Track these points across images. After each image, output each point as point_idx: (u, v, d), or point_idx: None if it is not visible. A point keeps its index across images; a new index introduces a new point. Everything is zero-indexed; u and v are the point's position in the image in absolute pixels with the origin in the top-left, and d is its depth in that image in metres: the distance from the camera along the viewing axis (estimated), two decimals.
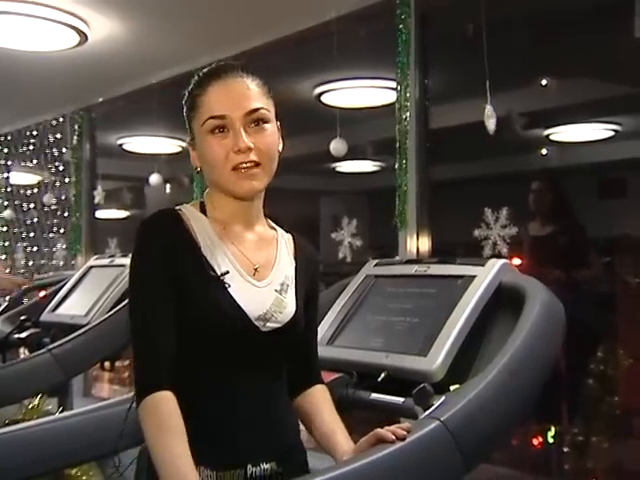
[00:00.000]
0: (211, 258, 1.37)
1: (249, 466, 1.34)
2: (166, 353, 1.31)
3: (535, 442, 3.40)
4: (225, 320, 1.33)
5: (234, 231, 1.42)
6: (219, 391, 1.35)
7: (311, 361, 1.56)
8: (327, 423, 1.45)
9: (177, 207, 1.42)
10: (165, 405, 1.27)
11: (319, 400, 1.51)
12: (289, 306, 1.42)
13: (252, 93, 1.38)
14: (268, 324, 1.38)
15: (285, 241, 1.51)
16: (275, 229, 1.52)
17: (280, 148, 1.44)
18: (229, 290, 1.35)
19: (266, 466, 1.36)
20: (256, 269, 1.41)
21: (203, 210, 1.43)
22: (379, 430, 1.30)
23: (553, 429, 3.37)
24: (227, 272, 1.36)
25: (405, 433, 1.28)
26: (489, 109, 2.88)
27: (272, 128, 1.41)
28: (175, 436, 1.24)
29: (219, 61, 1.46)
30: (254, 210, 1.45)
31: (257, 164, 1.36)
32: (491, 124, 2.88)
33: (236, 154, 1.35)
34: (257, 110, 1.37)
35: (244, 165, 1.35)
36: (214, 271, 1.35)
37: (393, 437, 1.28)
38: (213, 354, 1.35)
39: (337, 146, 3.58)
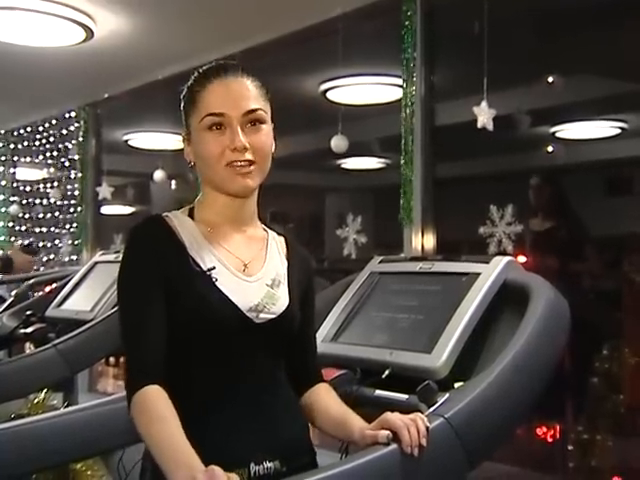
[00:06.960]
0: (197, 257, 1.38)
1: (252, 465, 1.33)
2: (154, 353, 1.31)
3: (539, 440, 3.39)
4: (215, 313, 1.34)
5: (222, 231, 1.43)
6: (217, 390, 1.35)
7: (311, 361, 1.55)
8: (337, 412, 1.44)
9: (165, 214, 1.44)
10: (154, 397, 1.26)
11: (324, 395, 1.50)
12: (282, 299, 1.43)
13: (251, 94, 1.40)
14: (261, 315, 1.38)
15: (277, 243, 1.52)
16: (266, 231, 1.53)
17: (273, 149, 1.45)
18: (217, 284, 1.36)
19: (269, 465, 1.35)
20: (246, 265, 1.42)
21: (192, 215, 1.45)
22: (399, 424, 1.26)
23: (557, 427, 3.37)
24: (213, 267, 1.37)
25: (424, 441, 1.25)
26: (484, 105, 2.90)
27: (267, 129, 1.42)
28: (169, 423, 1.22)
29: (219, 59, 1.47)
30: (246, 209, 1.46)
31: (252, 163, 1.38)
32: (482, 120, 2.90)
33: (232, 152, 1.37)
34: (255, 111, 1.39)
35: (239, 163, 1.37)
36: (200, 267, 1.37)
37: (409, 441, 1.24)
38: (209, 351, 1.36)
39: (338, 142, 3.59)
